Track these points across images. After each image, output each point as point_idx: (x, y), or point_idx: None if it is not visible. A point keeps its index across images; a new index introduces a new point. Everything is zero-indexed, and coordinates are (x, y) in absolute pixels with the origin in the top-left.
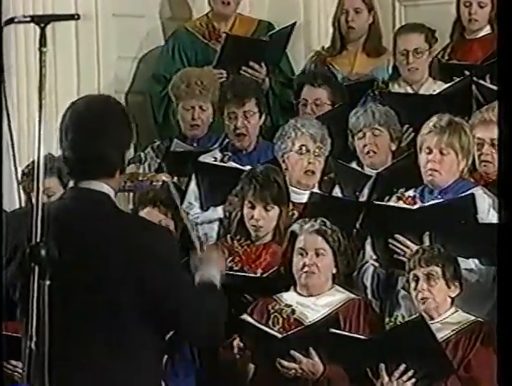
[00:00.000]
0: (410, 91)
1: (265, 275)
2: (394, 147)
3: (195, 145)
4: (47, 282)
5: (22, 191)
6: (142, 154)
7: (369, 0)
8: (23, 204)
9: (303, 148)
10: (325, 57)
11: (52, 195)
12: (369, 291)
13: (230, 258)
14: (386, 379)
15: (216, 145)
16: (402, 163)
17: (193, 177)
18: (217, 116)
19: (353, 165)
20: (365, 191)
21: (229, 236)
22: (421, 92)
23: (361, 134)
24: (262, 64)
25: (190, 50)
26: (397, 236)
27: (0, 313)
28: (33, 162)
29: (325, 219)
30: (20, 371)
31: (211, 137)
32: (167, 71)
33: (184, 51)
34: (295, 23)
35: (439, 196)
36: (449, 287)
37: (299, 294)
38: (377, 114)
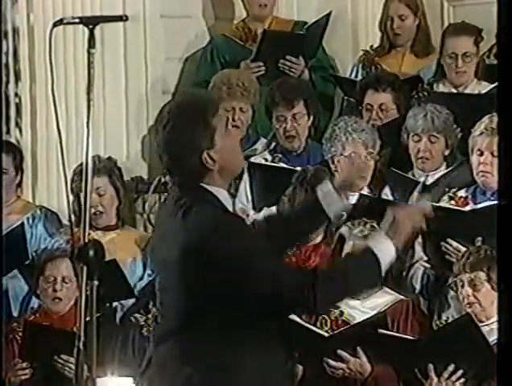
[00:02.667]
0: (454, 92)
1: None
2: (447, 153)
3: None
4: (96, 282)
5: (70, 192)
6: None
7: (414, 4)
8: (71, 205)
9: (354, 154)
10: (373, 57)
11: (104, 193)
12: (418, 292)
13: None
14: (435, 379)
15: (254, 147)
16: (453, 169)
17: (245, 178)
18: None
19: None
20: (415, 195)
21: None
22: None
23: (416, 138)
24: (300, 57)
25: (228, 53)
26: (449, 240)
27: (0, 312)
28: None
29: (375, 224)
30: (71, 365)
31: (249, 138)
32: (208, 76)
33: (223, 54)
34: (330, 13)
35: (492, 198)
36: (495, 290)
37: None
38: (437, 121)
